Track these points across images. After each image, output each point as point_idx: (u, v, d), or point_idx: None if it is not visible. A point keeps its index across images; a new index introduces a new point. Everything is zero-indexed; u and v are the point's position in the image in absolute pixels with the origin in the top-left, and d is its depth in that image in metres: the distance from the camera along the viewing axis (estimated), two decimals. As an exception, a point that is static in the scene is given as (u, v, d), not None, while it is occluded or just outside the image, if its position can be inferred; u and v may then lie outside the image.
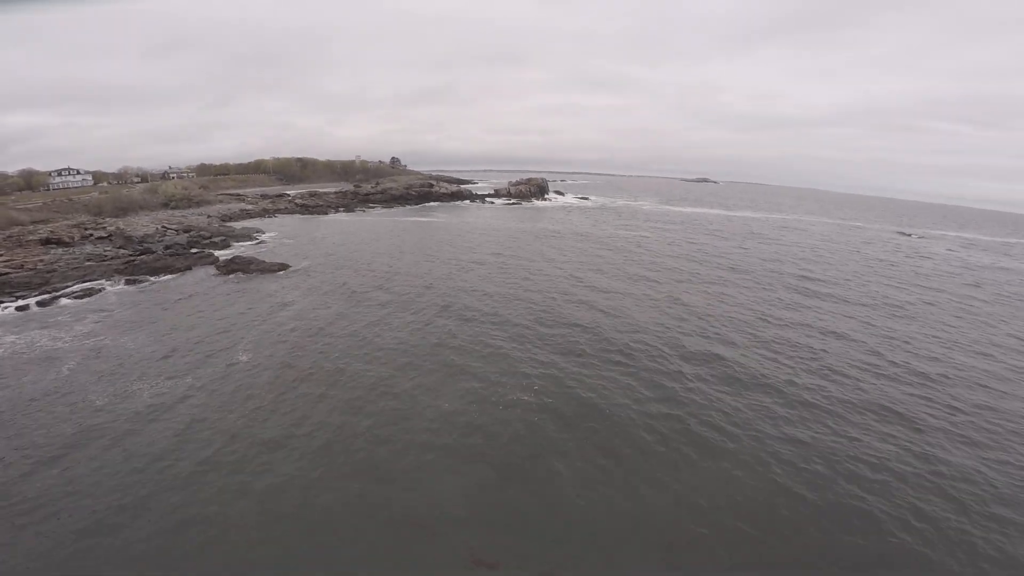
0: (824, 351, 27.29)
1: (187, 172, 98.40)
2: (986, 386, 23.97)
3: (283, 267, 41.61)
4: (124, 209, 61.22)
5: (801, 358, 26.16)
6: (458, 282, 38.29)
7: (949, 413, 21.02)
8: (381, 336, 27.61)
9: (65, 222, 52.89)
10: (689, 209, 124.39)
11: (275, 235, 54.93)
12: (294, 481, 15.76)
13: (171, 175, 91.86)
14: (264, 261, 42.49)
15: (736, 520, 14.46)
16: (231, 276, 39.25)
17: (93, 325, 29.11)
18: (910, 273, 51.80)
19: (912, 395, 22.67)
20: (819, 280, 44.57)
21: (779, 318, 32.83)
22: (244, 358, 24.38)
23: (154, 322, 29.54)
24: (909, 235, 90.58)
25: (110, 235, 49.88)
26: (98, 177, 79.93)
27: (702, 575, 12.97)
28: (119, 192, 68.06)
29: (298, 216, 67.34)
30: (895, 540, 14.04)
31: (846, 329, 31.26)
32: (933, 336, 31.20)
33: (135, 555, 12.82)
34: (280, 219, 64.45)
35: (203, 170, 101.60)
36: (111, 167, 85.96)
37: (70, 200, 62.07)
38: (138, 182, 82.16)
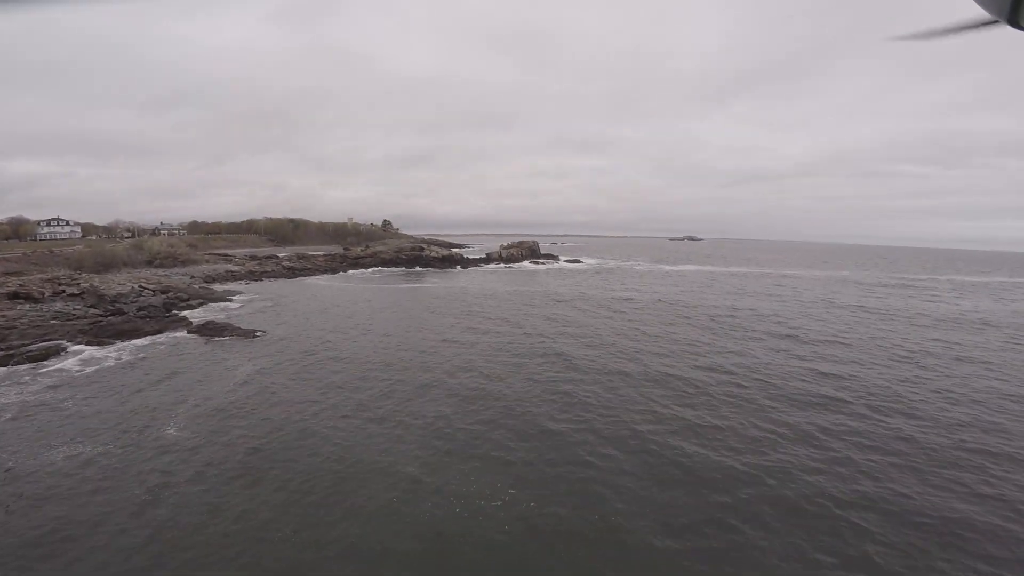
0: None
1: (179, 229, 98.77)
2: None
3: (255, 334, 40.38)
4: (106, 265, 60.47)
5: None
6: (441, 369, 34.30)
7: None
8: (330, 436, 25.13)
9: (39, 276, 51.82)
10: (686, 267, 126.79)
11: (257, 298, 53.95)
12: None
13: (162, 231, 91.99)
14: (238, 328, 41.33)
15: None
16: (202, 341, 37.91)
17: (37, 388, 27.77)
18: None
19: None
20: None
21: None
22: (172, 432, 22.82)
23: (102, 386, 28.23)
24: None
25: (82, 292, 48.74)
26: (87, 229, 79.68)
27: None
28: (103, 247, 67.65)
29: (284, 280, 66.84)
30: None
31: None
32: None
33: None
34: (266, 283, 63.84)
35: (195, 228, 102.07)
36: (104, 219, 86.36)
37: (51, 252, 61.28)
38: (128, 236, 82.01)
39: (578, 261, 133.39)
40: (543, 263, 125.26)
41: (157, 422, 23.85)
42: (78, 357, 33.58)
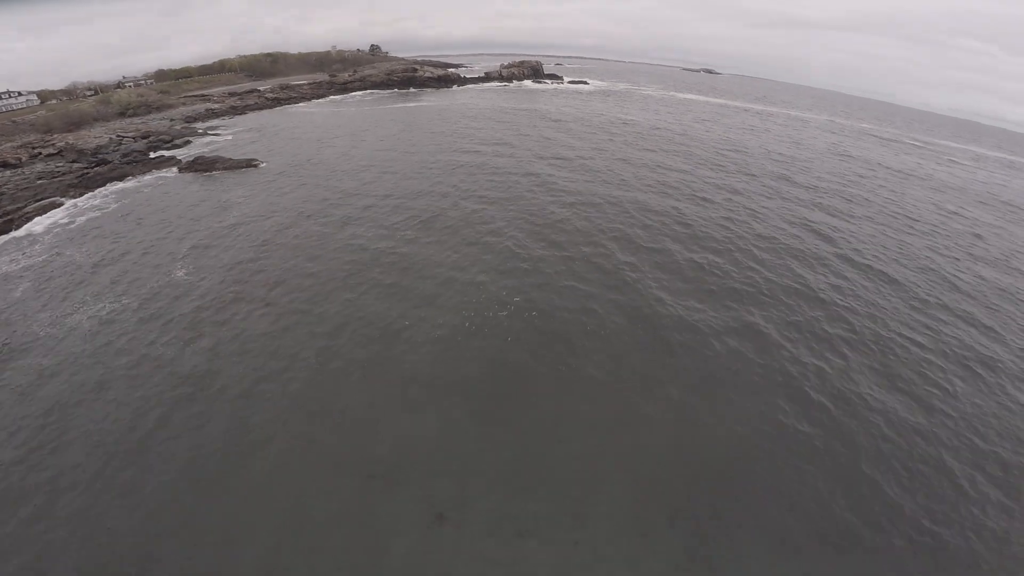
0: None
1: (144, 80, 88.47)
2: None
3: (249, 163, 36.77)
4: (76, 124, 54.99)
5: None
6: (440, 193, 31.72)
7: None
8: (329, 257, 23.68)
9: (9, 144, 47.59)
10: (697, 97, 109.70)
11: (243, 131, 49.00)
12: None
13: (126, 84, 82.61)
14: (229, 159, 37.63)
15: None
16: (193, 178, 34.82)
17: (44, 245, 26.58)
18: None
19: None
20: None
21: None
22: (181, 274, 22.24)
23: (104, 236, 26.78)
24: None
25: (60, 151, 44.89)
26: (45, 96, 71.75)
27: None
28: (67, 108, 61.05)
29: (268, 111, 60.14)
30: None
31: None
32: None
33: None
34: (250, 115, 57.58)
35: (161, 76, 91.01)
36: (60, 84, 77.00)
37: (13, 122, 55.74)
38: (91, 94, 73.85)
39: (584, 82, 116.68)
40: (546, 83, 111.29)
41: (165, 267, 22.97)
42: (75, 209, 31.49)
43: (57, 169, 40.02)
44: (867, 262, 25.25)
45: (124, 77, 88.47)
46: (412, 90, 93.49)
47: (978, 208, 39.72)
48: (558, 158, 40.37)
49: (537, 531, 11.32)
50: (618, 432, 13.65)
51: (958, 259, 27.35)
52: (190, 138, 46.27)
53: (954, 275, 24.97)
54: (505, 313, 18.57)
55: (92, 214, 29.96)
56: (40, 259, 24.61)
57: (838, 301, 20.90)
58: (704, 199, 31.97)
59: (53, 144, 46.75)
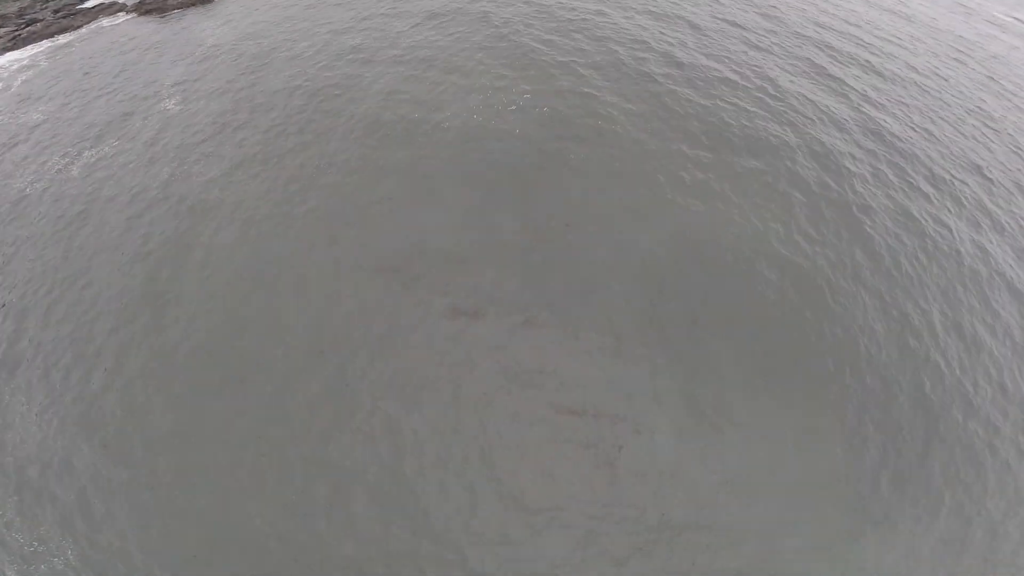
0: None
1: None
2: None
3: (210, -5, 30.62)
4: (-15, -7, 46.13)
5: None
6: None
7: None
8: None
9: (-84, 18, 40.08)
10: None
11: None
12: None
13: (30, -50, 69.16)
14: (183, -7, 31.32)
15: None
16: (145, 20, 29.36)
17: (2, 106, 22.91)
18: None
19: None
20: None
21: None
22: (173, 107, 20.13)
23: (63, 89, 23.08)
24: None
25: (-21, 19, 37.74)
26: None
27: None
28: (-31, -25, 50.95)
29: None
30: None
31: None
32: None
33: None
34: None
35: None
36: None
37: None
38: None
39: None
40: None
41: (151, 104, 20.40)
42: (18, 65, 26.75)
43: (-17, 38, 33.92)
44: (884, 124, 22.60)
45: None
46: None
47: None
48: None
49: (545, 321, 11.95)
50: (622, 224, 14.15)
51: (977, 139, 24.28)
52: (127, -14, 38.70)
53: (972, 152, 22.28)
54: (513, 108, 18.73)
55: (41, 70, 25.55)
56: (6, 120, 21.64)
57: (839, 148, 19.75)
58: (722, 27, 28.00)
59: (-33, 14, 39.43)
